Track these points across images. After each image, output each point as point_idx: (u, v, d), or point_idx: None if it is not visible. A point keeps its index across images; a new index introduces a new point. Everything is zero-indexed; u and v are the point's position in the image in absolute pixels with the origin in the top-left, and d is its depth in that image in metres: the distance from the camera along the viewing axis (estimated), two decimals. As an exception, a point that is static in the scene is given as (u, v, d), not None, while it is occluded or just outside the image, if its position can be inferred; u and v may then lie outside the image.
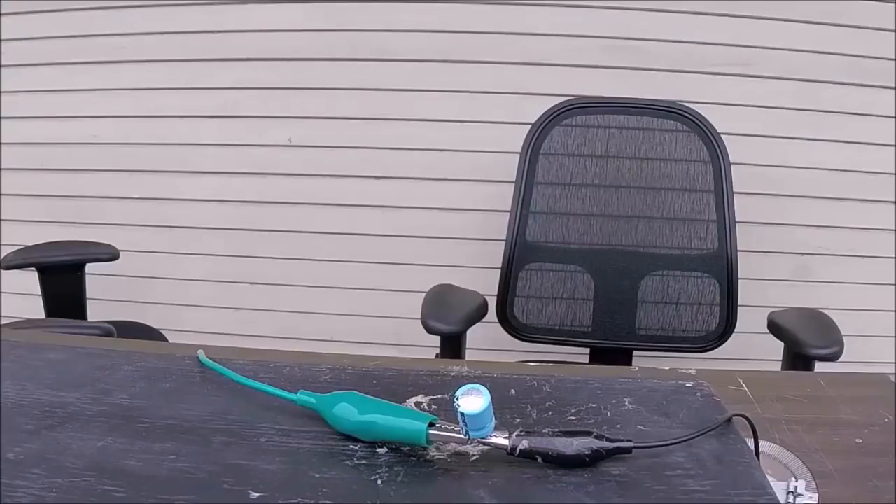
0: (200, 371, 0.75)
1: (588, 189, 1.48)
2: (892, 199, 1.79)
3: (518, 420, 0.65)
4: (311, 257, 1.94)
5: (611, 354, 1.51)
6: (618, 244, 1.48)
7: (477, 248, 1.85)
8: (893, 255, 1.81)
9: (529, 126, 1.47)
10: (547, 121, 1.47)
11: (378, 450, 0.61)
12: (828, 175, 1.79)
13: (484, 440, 0.59)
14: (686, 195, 1.46)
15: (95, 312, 1.67)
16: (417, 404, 0.68)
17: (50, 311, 1.57)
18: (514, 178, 1.48)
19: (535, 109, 1.48)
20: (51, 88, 1.90)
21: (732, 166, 1.43)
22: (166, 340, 1.65)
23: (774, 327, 1.30)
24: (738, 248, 1.45)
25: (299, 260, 1.95)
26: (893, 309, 1.82)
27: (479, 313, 1.38)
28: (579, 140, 1.47)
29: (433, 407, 0.68)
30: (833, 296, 1.81)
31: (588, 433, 0.59)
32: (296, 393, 0.67)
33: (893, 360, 1.76)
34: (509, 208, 1.48)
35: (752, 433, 0.61)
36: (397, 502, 0.54)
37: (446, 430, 0.59)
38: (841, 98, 1.75)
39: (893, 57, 1.71)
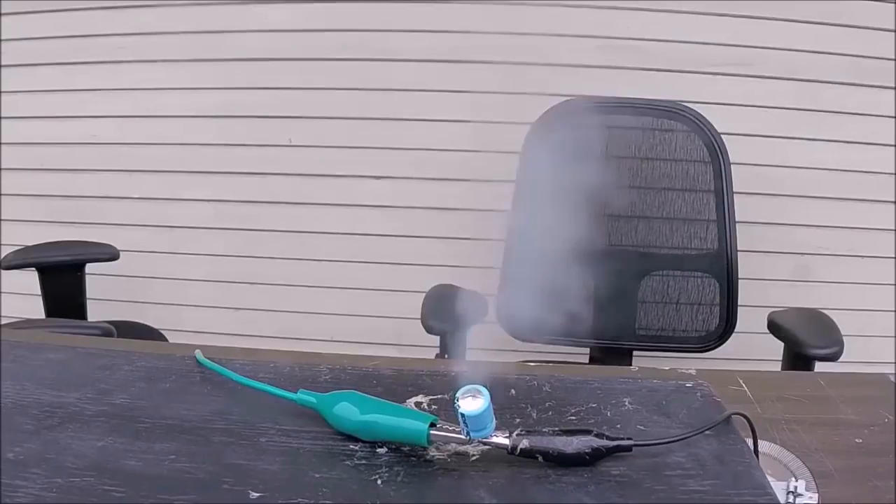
0: (200, 371, 0.75)
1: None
2: (892, 199, 1.79)
3: (518, 420, 0.65)
4: (311, 257, 1.94)
5: (611, 354, 1.50)
6: (618, 244, 1.48)
7: (477, 248, 1.85)
8: (893, 255, 1.81)
9: (529, 126, 1.47)
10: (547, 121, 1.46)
11: (378, 450, 0.61)
12: (828, 175, 1.79)
13: (484, 440, 0.59)
14: (686, 195, 1.45)
15: (95, 312, 1.66)
16: (417, 404, 0.68)
17: (50, 311, 1.57)
18: (514, 178, 1.48)
19: (535, 109, 1.48)
20: (51, 88, 1.90)
21: (732, 166, 1.43)
22: (166, 340, 1.65)
23: (774, 327, 1.30)
24: (738, 248, 1.45)
25: (299, 260, 1.95)
26: (893, 309, 1.82)
27: (480, 313, 1.38)
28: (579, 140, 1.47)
29: (433, 407, 0.68)
30: (833, 296, 1.81)
31: (588, 432, 0.59)
32: (296, 393, 0.67)
33: (893, 360, 1.76)
34: (509, 208, 1.48)
35: (751, 433, 0.61)
36: (397, 502, 0.54)
37: (447, 430, 0.59)
38: (841, 98, 1.75)
39: (893, 57, 1.71)
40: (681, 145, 1.45)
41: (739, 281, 1.44)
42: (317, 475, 0.57)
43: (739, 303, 1.45)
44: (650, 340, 1.48)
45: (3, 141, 1.93)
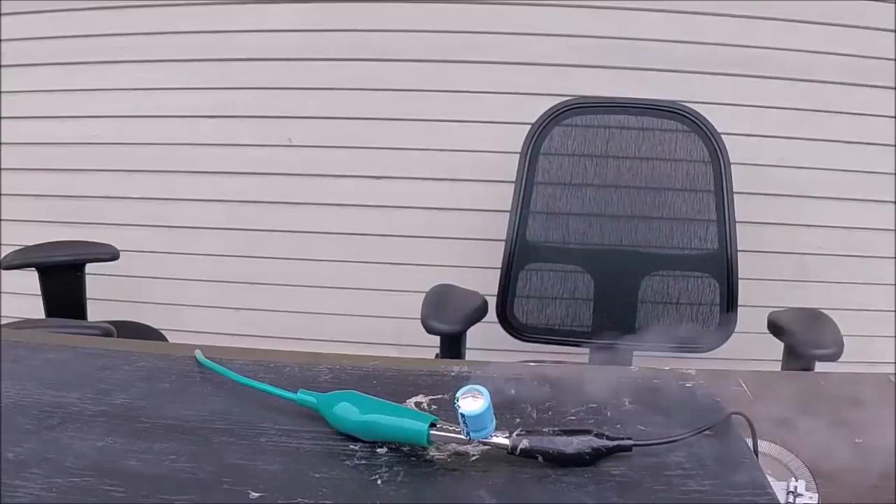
0: (200, 371, 0.75)
1: (588, 189, 1.48)
2: (892, 199, 1.79)
3: (518, 420, 0.66)
4: (311, 257, 1.94)
5: (611, 354, 1.50)
6: (618, 244, 1.48)
7: (477, 248, 1.85)
8: (893, 255, 1.81)
9: (529, 126, 1.47)
10: (547, 121, 1.47)
11: (378, 450, 0.61)
12: (828, 175, 1.79)
13: (484, 440, 0.59)
14: (686, 195, 1.45)
15: (95, 312, 1.66)
16: (417, 404, 0.68)
17: (50, 311, 1.57)
18: (514, 178, 1.48)
19: (535, 109, 1.48)
20: (51, 88, 1.90)
21: (732, 166, 1.43)
22: (166, 340, 1.65)
23: (774, 327, 1.30)
24: (738, 248, 1.45)
25: (299, 260, 1.95)
26: (893, 309, 1.82)
27: (479, 313, 1.38)
28: (579, 140, 1.47)
29: (433, 407, 0.68)
30: (833, 296, 1.81)
31: (588, 432, 0.59)
32: (296, 393, 0.67)
33: (893, 360, 1.76)
34: (509, 208, 1.48)
35: (751, 433, 0.61)
36: (397, 502, 0.54)
37: (447, 430, 0.59)
38: (841, 98, 1.75)
39: (893, 57, 1.71)
40: (681, 145, 1.45)
41: (739, 281, 1.44)
42: (317, 475, 0.57)
43: (739, 303, 1.45)
44: (650, 340, 1.48)
45: (3, 141, 1.93)
